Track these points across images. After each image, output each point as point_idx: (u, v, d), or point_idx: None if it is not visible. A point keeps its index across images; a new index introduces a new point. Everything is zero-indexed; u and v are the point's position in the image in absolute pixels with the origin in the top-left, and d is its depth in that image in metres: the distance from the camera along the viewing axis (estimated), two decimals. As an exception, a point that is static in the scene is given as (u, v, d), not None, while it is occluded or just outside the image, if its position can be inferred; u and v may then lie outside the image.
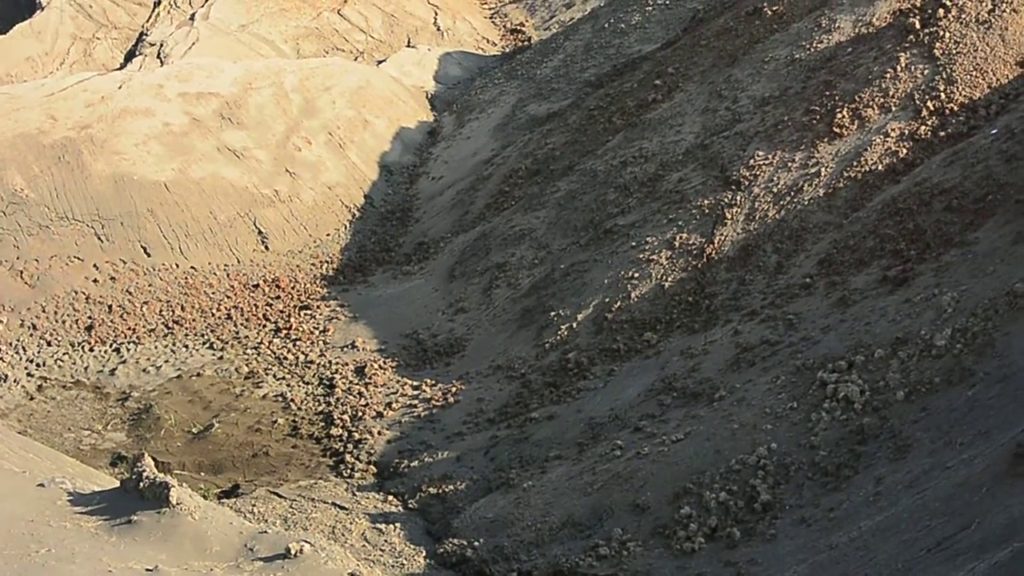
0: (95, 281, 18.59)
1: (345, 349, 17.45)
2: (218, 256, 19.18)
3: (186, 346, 17.75)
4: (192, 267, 18.98)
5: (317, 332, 17.89)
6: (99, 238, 18.72)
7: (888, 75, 16.55)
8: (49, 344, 17.70)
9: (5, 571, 7.38)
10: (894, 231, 14.34)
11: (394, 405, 15.82)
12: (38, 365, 17.35)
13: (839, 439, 11.48)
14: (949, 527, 9.14)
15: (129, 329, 18.08)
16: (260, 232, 19.66)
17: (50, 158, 19.26)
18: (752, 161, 16.87)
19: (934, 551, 8.97)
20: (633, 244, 16.86)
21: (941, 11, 16.80)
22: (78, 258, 18.47)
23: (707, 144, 17.99)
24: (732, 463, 11.80)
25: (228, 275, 19.07)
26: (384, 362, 16.97)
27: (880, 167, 15.64)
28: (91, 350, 17.72)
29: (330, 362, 17.12)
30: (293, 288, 19.06)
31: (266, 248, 19.62)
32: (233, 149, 20.32)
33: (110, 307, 18.39)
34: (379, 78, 23.74)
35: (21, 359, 17.41)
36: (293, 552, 8.00)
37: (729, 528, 11.16)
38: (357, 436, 15.22)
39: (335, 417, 15.74)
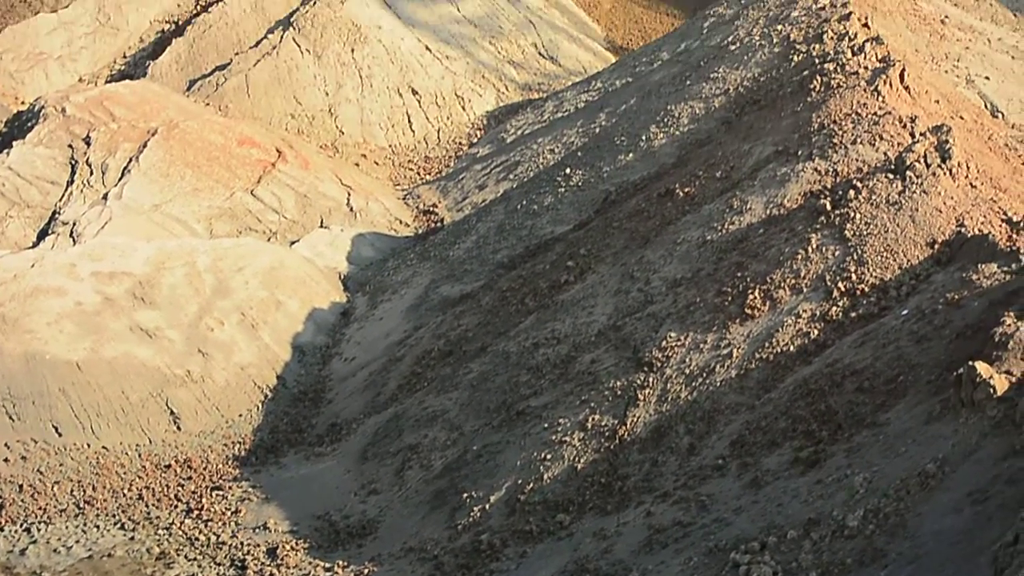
0: (5, 460, 18.74)
1: (257, 530, 17.59)
2: (130, 436, 19.37)
3: (97, 526, 17.83)
4: (104, 447, 19.16)
5: (229, 513, 18.05)
6: (10, 417, 18.88)
7: (799, 256, 17.21)
8: (-44, 525, 17.75)
9: None
10: (806, 412, 14.79)
11: (307, 587, 16.17)
12: (-57, 547, 17.41)
13: (751, 619, 11.56)
14: None
15: (40, 509, 18.16)
16: (172, 412, 19.90)
17: (-40, 336, 19.63)
18: (664, 342, 17.40)
19: None
20: (546, 426, 17.23)
21: (852, 192, 17.54)
22: (-12, 437, 18.72)
23: (619, 325, 18.54)
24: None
25: (140, 455, 19.23)
26: (296, 543, 17.13)
27: (792, 348, 16.20)
28: (1, 530, 17.76)
29: (242, 543, 17.26)
30: (205, 469, 19.26)
31: (178, 428, 19.84)
32: (145, 329, 20.73)
33: (20, 487, 18.49)
34: (292, 259, 24.35)
35: (-75, 541, 17.49)
36: None
37: None
38: (270, 618, 15.54)
39: (247, 599, 16.07)
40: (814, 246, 17.31)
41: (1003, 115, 23.42)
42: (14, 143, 26.33)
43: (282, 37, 33.30)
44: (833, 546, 11.95)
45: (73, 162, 26.05)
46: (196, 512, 18.17)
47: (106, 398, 19.57)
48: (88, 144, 26.40)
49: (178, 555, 17.20)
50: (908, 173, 17.44)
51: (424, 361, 21.49)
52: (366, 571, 16.14)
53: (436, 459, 18.23)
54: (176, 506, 18.42)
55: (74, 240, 23.47)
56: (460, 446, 18.17)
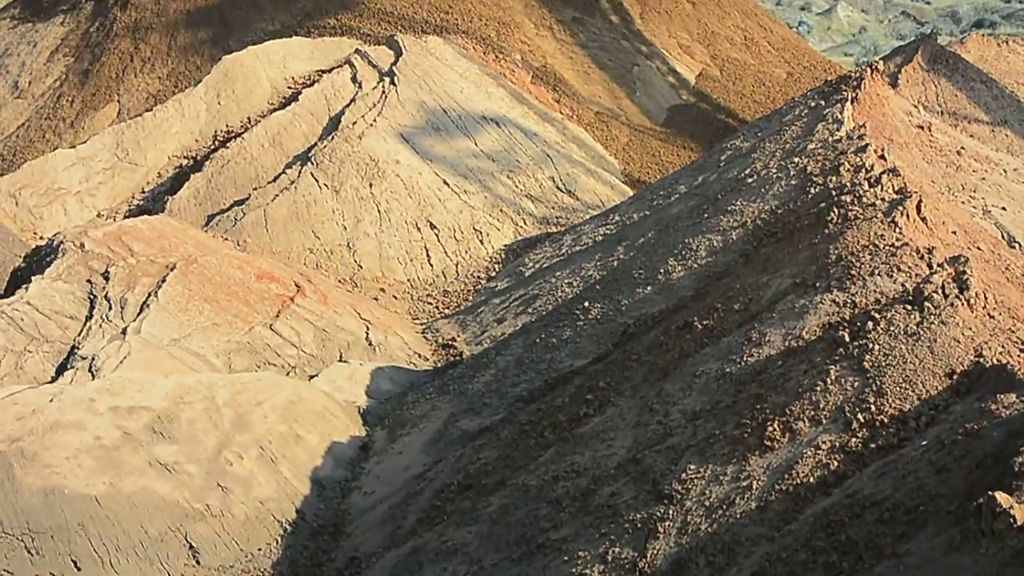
0: (23, 596, 19.01)
1: (275, 667, 18.07)
2: (150, 571, 19.52)
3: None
4: (122, 582, 19.55)
5: (247, 648, 18.51)
6: (29, 552, 19.05)
7: (818, 388, 17.40)
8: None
9: None
10: (826, 543, 14.86)
11: None
12: None
13: None
14: None
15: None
16: (192, 547, 20.10)
17: (-21, 471, 20.07)
18: (684, 475, 17.63)
19: None
20: (565, 559, 17.41)
21: (870, 324, 17.85)
22: (8, 572, 18.80)
23: (639, 458, 18.77)
24: None
25: (159, 590, 19.64)
26: None
27: (811, 480, 16.35)
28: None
29: None
30: (223, 604, 19.68)
31: (198, 563, 20.02)
32: (164, 463, 21.12)
33: (38, 623, 18.82)
34: (311, 393, 24.79)
35: None
36: None
37: None
38: None
39: None
40: (833, 377, 17.53)
41: (1020, 245, 23.87)
42: (33, 278, 26.82)
43: (300, 172, 34.14)
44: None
45: (92, 297, 26.58)
46: (214, 648, 18.49)
47: (125, 533, 19.83)
48: (107, 279, 26.92)
49: None
50: (926, 304, 17.81)
51: (444, 495, 21.67)
52: None
53: (456, 594, 18.40)
54: (193, 643, 18.71)
55: (93, 375, 23.91)
56: (480, 580, 18.22)
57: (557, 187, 37.38)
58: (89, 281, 27.01)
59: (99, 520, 19.93)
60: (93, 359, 24.42)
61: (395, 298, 31.79)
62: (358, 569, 20.66)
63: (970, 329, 17.40)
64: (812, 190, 24.08)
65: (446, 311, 31.51)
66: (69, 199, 35.45)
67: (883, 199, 21.58)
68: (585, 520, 18.31)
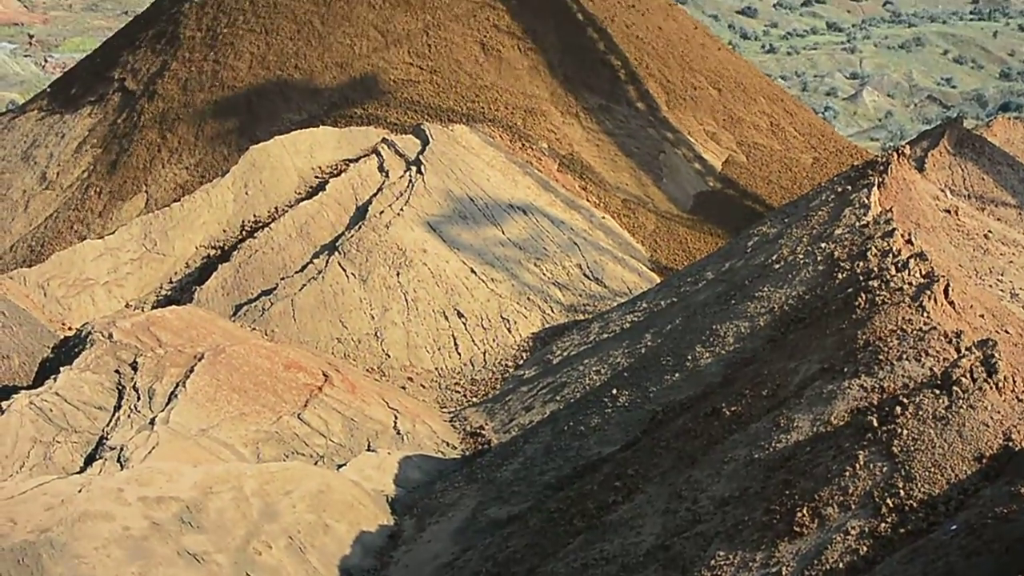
0: None
1: None
2: (178, 661, 20.03)
3: None
4: (150, 674, 19.78)
5: None
6: (59, 643, 19.58)
7: (847, 473, 17.47)
8: None
9: None
10: None
11: None
12: None
13: None
14: None
15: None
16: (220, 638, 20.57)
17: (9, 561, 19.99)
18: (713, 561, 17.70)
19: None
20: None
21: (899, 408, 17.94)
22: (37, 663, 19.26)
23: (668, 545, 18.85)
24: None
25: None
26: None
27: (841, 565, 16.34)
28: None
29: None
30: None
31: (226, 653, 20.48)
32: (193, 553, 21.35)
33: None
34: (339, 482, 25.02)
35: None
36: None
37: None
38: None
39: None
40: (862, 463, 17.62)
41: (1050, 329, 24.10)
42: (61, 369, 27.19)
43: (327, 261, 34.63)
44: None
45: (120, 387, 26.97)
46: None
47: (154, 622, 20.16)
48: (135, 369, 27.31)
49: None
50: (954, 388, 17.98)
51: (472, 584, 21.77)
52: None
53: None
54: None
55: (121, 465, 24.22)
56: (510, 673, 18.50)
57: (584, 275, 37.75)
58: (117, 372, 27.40)
59: (128, 610, 20.21)
60: (121, 449, 24.74)
61: (423, 387, 32.06)
62: (387, 660, 20.79)
63: (999, 413, 17.55)
64: (839, 275, 24.35)
65: (474, 399, 31.74)
66: (97, 290, 35.97)
67: (911, 283, 21.82)
68: (615, 608, 18.60)
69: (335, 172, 39.83)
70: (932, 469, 17.27)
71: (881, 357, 19.88)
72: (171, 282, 37.08)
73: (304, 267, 35.02)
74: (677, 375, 25.60)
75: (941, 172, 33.38)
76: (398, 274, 34.45)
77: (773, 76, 78.68)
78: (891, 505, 17.01)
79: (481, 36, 47.94)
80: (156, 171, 46.11)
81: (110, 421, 26.07)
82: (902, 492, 17.05)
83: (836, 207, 27.53)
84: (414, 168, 38.77)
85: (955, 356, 18.96)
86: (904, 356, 19.77)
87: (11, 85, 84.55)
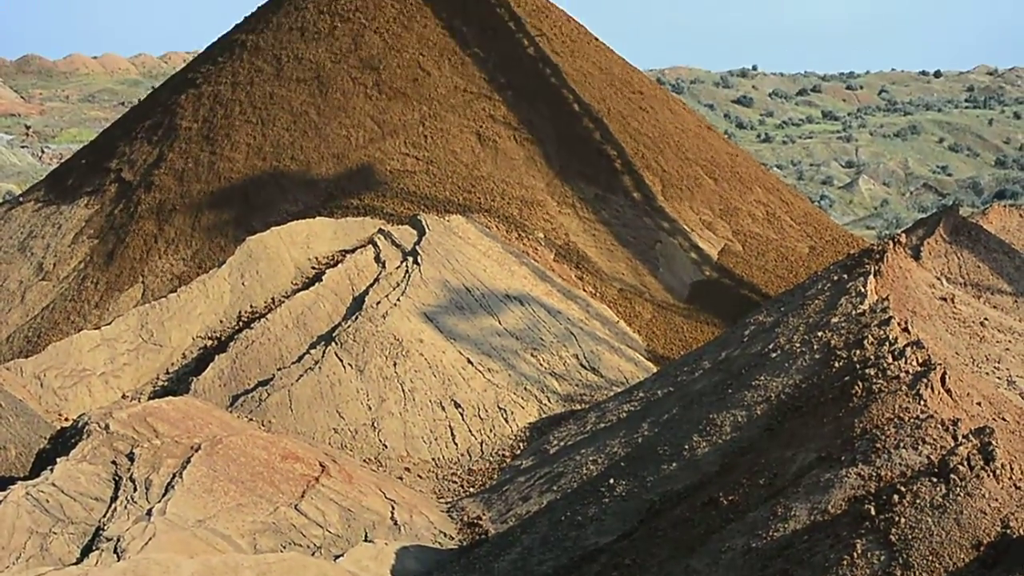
0: None
1: None
2: None
3: None
4: None
5: None
6: None
7: (845, 562, 17.42)
8: None
9: None
10: None
11: None
12: None
13: None
14: None
15: None
16: None
17: (4, 655, 20.43)
18: None
19: None
20: None
21: (896, 497, 18.04)
22: None
23: None
24: None
25: None
26: None
27: None
28: None
29: None
30: None
31: None
32: (190, 644, 21.57)
33: None
34: (336, 573, 24.93)
35: None
36: None
37: None
38: None
39: None
40: (859, 551, 17.62)
41: (1047, 417, 24.33)
42: (58, 459, 27.21)
43: (324, 352, 34.87)
44: None
45: (117, 478, 27.02)
46: None
47: None
48: (132, 460, 27.36)
49: None
50: (952, 476, 18.13)
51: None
52: None
53: None
54: None
55: (118, 556, 24.22)
56: None
57: (581, 364, 37.96)
58: (114, 462, 27.48)
59: None
60: (118, 540, 24.76)
61: (420, 477, 32.16)
62: None
63: (996, 500, 17.70)
64: (836, 364, 24.58)
65: (471, 489, 31.81)
66: (94, 380, 36.17)
67: (907, 372, 22.06)
68: None
69: (332, 263, 40.23)
70: (930, 557, 17.22)
71: (878, 445, 20.07)
72: (168, 373, 37.29)
73: (301, 358, 35.26)
74: (674, 464, 25.72)
75: (937, 260, 33.80)
76: (395, 365, 34.69)
77: (769, 165, 79.66)
78: (890, 593, 18.31)
79: (477, 127, 48.58)
80: (152, 262, 46.47)
81: (107, 512, 26.06)
82: (900, 581, 18.47)
83: (832, 296, 27.87)
84: (411, 259, 39.17)
85: (952, 444, 19.14)
86: (901, 444, 19.96)
87: (8, 176, 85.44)
